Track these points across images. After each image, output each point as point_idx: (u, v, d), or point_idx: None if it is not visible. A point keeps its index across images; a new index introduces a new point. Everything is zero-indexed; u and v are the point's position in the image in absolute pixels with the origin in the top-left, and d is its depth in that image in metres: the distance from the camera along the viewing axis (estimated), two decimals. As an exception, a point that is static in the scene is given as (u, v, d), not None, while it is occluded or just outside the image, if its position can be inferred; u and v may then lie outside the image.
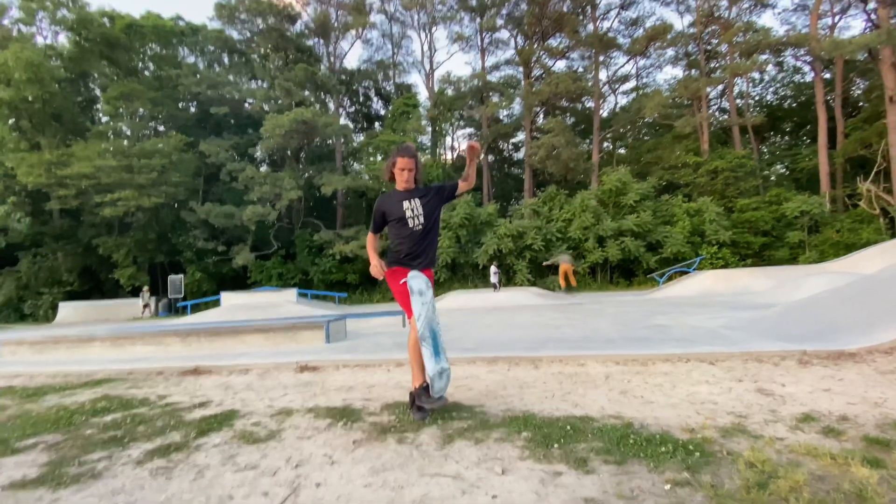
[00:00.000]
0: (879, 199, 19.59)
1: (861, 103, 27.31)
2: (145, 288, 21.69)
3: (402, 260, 2.84)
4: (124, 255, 22.98)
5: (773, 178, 28.66)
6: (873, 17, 21.56)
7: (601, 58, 29.21)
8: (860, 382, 2.95)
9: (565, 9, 27.75)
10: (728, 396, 2.86)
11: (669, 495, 1.65)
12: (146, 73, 28.17)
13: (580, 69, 31.08)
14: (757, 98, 32.83)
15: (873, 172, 20.38)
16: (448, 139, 35.79)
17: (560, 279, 15.57)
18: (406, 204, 2.82)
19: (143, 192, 21.39)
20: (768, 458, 1.88)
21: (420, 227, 2.81)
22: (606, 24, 29.55)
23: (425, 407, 2.69)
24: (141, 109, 25.59)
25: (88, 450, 2.51)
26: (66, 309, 20.99)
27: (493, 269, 17.53)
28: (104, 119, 27.08)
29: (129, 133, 26.35)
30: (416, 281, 2.74)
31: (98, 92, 27.82)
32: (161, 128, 28.49)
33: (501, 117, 32.34)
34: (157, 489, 1.97)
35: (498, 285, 17.00)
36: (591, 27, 28.66)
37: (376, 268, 2.81)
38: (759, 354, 3.77)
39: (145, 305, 20.64)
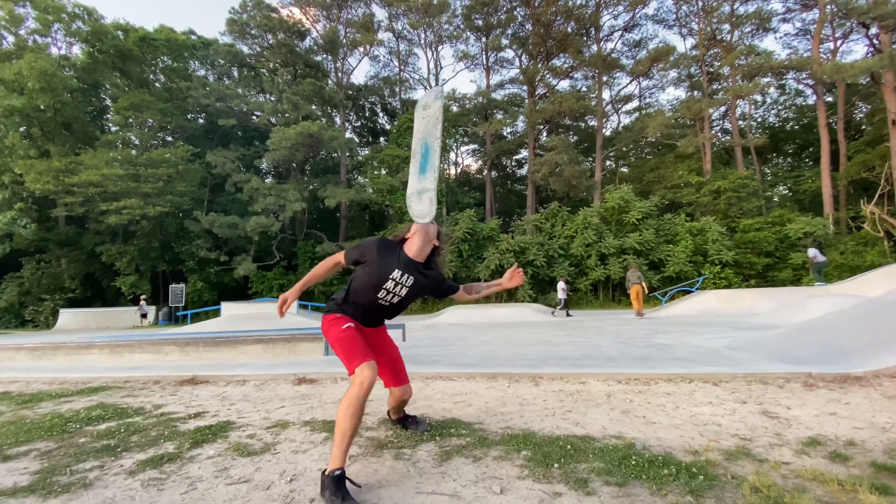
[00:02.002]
0: (884, 221, 19.55)
1: (864, 126, 27.53)
2: (143, 297, 21.63)
3: (345, 310, 2.31)
4: (127, 262, 23.04)
5: (775, 200, 28.73)
6: (875, 41, 21.86)
7: (604, 78, 29.64)
8: (867, 406, 2.90)
9: (570, 30, 28.26)
10: (732, 418, 2.81)
11: (672, 519, 1.61)
12: (157, 84, 28.67)
13: (584, 88, 31.54)
14: (759, 119, 33.17)
15: (877, 195, 20.40)
16: (452, 155, 36.15)
17: (635, 305, 12.76)
18: (397, 273, 2.19)
19: (148, 200, 21.54)
20: (774, 482, 1.84)
21: (387, 304, 2.27)
22: (610, 46, 30.10)
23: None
24: (150, 120, 25.96)
25: (81, 458, 2.48)
26: (67, 315, 20.97)
27: (561, 284, 15.25)
28: (113, 128, 27.45)
29: (137, 143, 26.71)
30: (426, 96, 2.45)
31: (109, 102, 28.29)
32: (169, 138, 28.85)
33: (505, 134, 32.67)
34: (148, 501, 1.93)
35: (564, 303, 15.02)
36: (594, 48, 29.14)
37: (281, 304, 2.34)
38: (764, 376, 3.71)
39: (143, 315, 20.54)
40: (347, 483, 1.85)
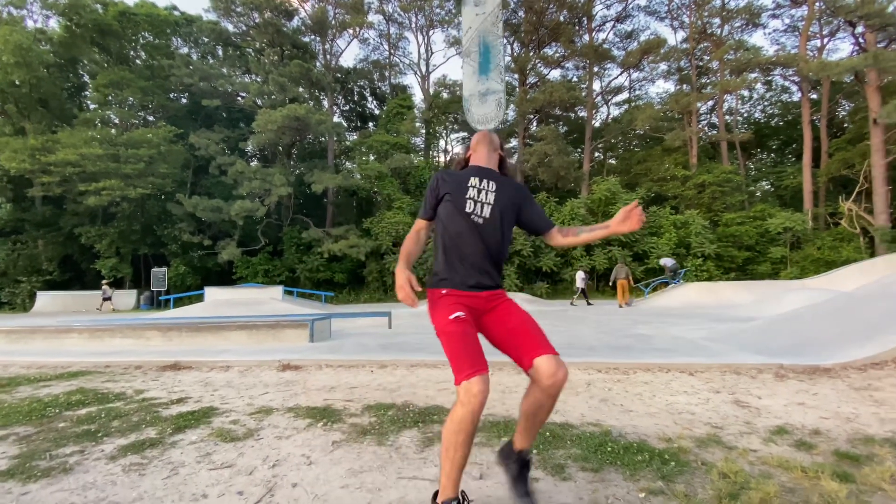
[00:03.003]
0: (860, 218, 20.10)
1: (846, 124, 28.07)
2: (104, 281, 20.94)
3: (447, 273, 1.73)
4: (107, 245, 22.52)
5: (758, 194, 29.27)
6: (861, 40, 22.17)
7: (595, 69, 29.61)
8: (834, 397, 3.02)
9: (562, 19, 28.07)
10: (705, 407, 2.91)
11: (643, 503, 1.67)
12: (138, 61, 27.75)
13: (574, 79, 31.48)
14: (745, 115, 33.56)
15: (855, 192, 20.92)
16: (441, 142, 35.90)
17: (619, 297, 13.89)
18: (473, 181, 1.77)
19: (129, 182, 20.99)
20: (741, 469, 1.92)
21: (481, 220, 1.72)
22: (602, 36, 30.03)
23: None
24: (130, 98, 25.16)
25: (60, 443, 2.46)
26: (45, 298, 20.51)
27: (580, 274, 15.94)
28: (92, 106, 26.55)
29: (117, 122, 25.89)
30: None
31: (87, 79, 27.33)
32: (150, 118, 28.06)
33: (495, 123, 32.50)
34: (130, 486, 1.93)
35: (582, 291, 15.60)
36: (586, 38, 29.04)
37: (402, 288, 1.59)
38: (738, 367, 3.84)
39: (105, 299, 19.85)
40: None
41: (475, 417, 1.46)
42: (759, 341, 4.97)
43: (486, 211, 1.72)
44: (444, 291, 1.71)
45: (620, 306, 13.37)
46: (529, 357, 1.59)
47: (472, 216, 1.71)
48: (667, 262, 16.64)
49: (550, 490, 1.80)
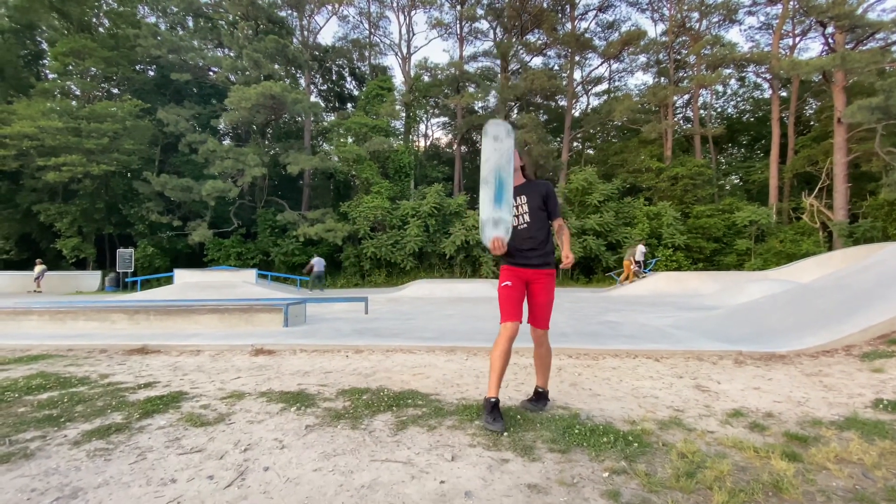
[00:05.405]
0: (821, 213, 21.03)
1: (812, 122, 29.10)
2: (38, 260, 19.89)
3: (511, 256, 2.62)
4: (68, 224, 21.50)
5: (727, 188, 30.20)
6: (830, 40, 22.85)
7: (577, 58, 29.64)
8: (787, 382, 3.20)
9: (545, 5, 27.91)
10: (669, 391, 3.04)
11: (607, 482, 1.75)
12: (101, 29, 26.17)
13: (556, 67, 31.47)
14: (719, 110, 34.39)
15: (817, 188, 21.82)
16: (422, 126, 35.46)
17: (630, 276, 15.46)
18: (516, 200, 2.64)
19: (91, 157, 19.98)
20: (698, 449, 2.02)
21: (525, 224, 2.63)
22: (584, 25, 30.01)
23: (486, 425, 2.37)
24: (93, 69, 23.78)
25: (20, 429, 2.38)
26: (2, 279, 19.53)
27: (640, 248, 16.39)
28: (51, 76, 25.00)
29: (78, 93, 24.51)
30: (495, 127, 2.69)
31: (45, 46, 25.68)
32: (115, 90, 26.65)
33: (476, 109, 32.30)
34: (95, 471, 1.89)
35: (638, 265, 15.95)
36: (568, 26, 28.99)
37: (497, 240, 2.52)
38: (700, 353, 4.01)
39: (36, 279, 18.89)
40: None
41: (506, 344, 2.46)
42: (721, 329, 5.19)
43: (526, 217, 2.64)
44: (504, 267, 2.67)
45: (621, 283, 15.32)
46: (531, 322, 2.68)
47: (520, 226, 2.64)
48: (317, 262, 17.58)
49: (519, 471, 1.86)
